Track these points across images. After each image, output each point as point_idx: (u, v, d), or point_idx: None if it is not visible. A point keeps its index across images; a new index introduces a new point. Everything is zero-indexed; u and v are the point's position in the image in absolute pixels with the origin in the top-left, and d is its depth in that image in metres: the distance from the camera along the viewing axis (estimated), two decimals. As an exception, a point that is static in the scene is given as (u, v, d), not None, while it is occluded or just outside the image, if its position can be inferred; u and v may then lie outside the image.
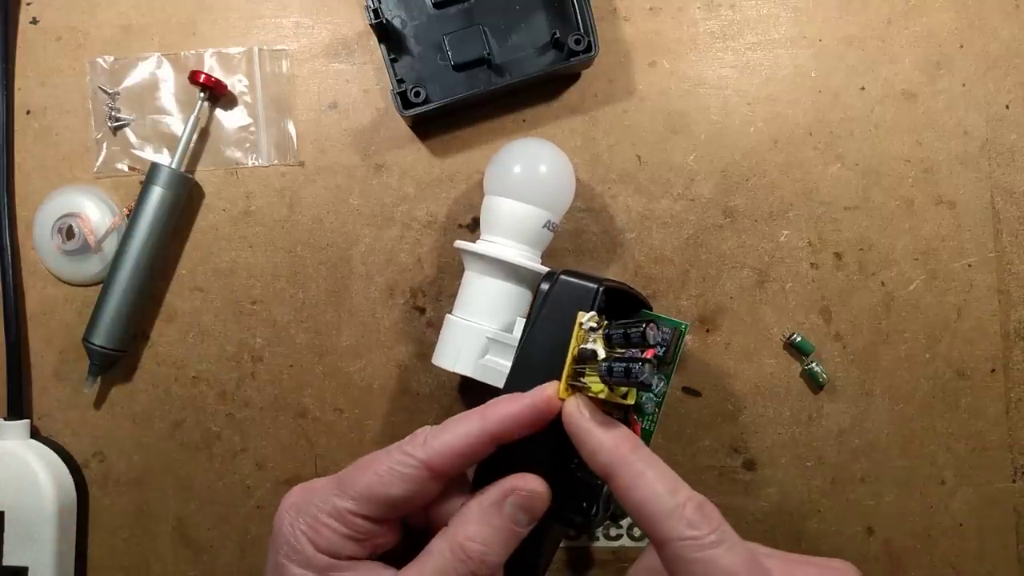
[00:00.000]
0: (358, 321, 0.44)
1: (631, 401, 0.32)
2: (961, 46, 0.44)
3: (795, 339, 0.43)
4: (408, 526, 0.32)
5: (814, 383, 0.43)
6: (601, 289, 0.32)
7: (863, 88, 0.44)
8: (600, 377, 0.31)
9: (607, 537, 0.44)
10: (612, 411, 0.34)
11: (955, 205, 0.44)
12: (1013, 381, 0.44)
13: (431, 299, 0.44)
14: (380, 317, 0.44)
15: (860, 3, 0.44)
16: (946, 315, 0.44)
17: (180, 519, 0.44)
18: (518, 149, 0.41)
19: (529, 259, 0.39)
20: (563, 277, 0.33)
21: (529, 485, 0.30)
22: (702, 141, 0.44)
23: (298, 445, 0.44)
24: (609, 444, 0.29)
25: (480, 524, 0.29)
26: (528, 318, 0.33)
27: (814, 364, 0.43)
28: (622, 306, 0.38)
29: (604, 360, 0.30)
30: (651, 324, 0.30)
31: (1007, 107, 0.44)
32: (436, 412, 0.44)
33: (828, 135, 0.44)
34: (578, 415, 0.30)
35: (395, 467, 0.29)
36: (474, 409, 0.30)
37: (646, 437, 0.40)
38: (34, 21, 0.45)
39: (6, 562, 0.41)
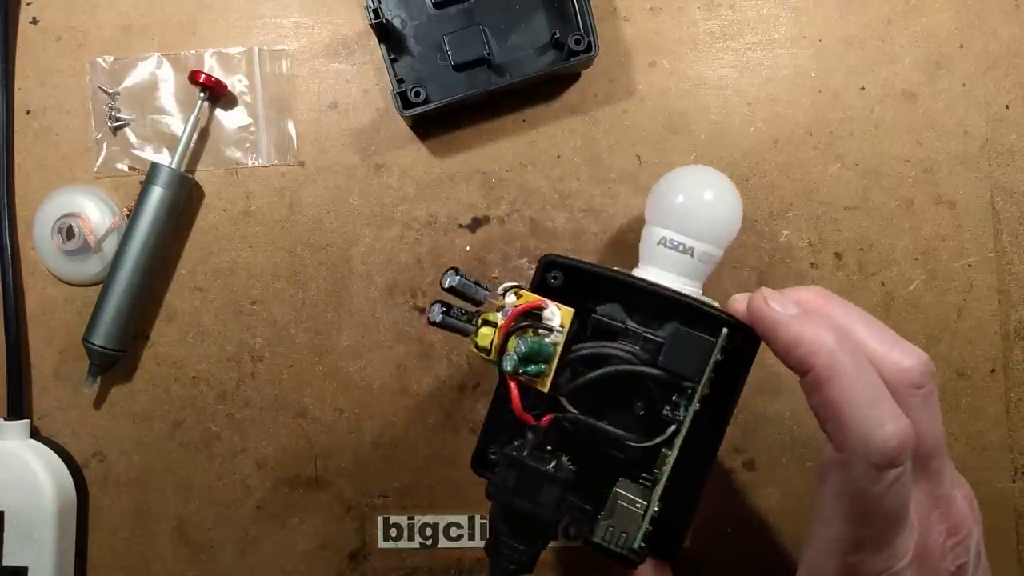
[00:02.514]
0: (358, 321, 0.44)
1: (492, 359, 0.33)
2: (961, 46, 0.44)
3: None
4: None
5: (814, 383, 0.43)
6: None
7: (863, 88, 0.44)
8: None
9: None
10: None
11: (955, 205, 0.44)
12: (1013, 381, 0.44)
13: (431, 299, 0.44)
14: (380, 317, 0.44)
15: (860, 3, 0.44)
16: (946, 315, 0.44)
17: (180, 519, 0.44)
18: (676, 178, 0.38)
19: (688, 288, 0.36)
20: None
21: None
22: (702, 141, 0.44)
23: (298, 445, 0.44)
24: (809, 337, 0.27)
25: None
26: None
27: (814, 364, 0.43)
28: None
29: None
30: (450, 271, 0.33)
31: (1007, 107, 0.44)
32: (436, 412, 0.44)
33: (828, 135, 0.44)
34: (766, 307, 0.29)
35: None
36: None
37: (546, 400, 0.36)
38: (34, 21, 0.45)
39: (6, 562, 0.41)
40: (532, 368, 0.33)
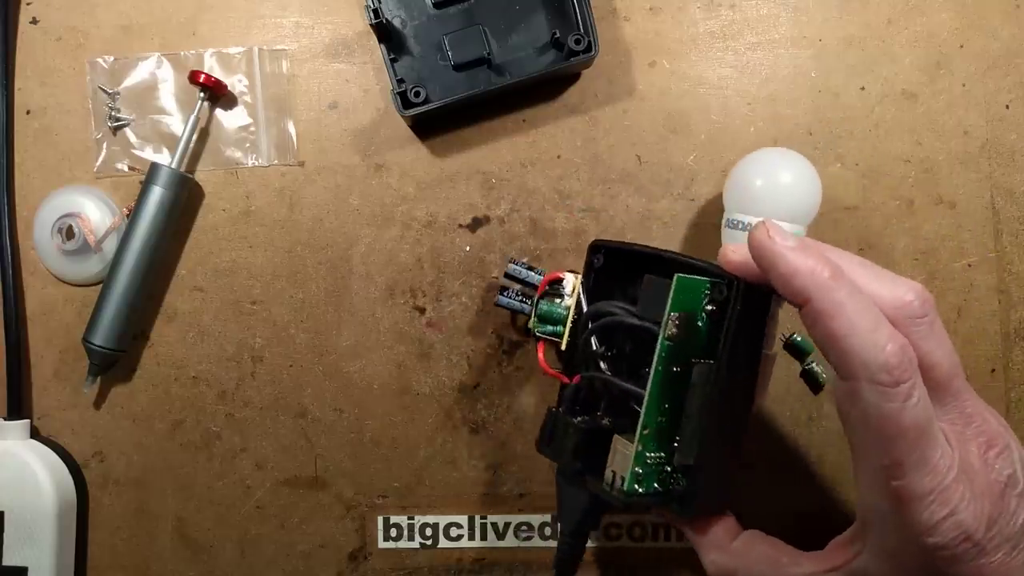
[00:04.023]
0: (358, 321, 0.44)
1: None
2: (961, 46, 0.44)
3: (795, 339, 0.43)
4: None
5: (814, 383, 0.43)
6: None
7: (863, 88, 0.44)
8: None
9: (607, 537, 0.44)
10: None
11: (955, 205, 0.44)
12: (1013, 381, 0.44)
13: (431, 299, 0.44)
14: (380, 317, 0.44)
15: (860, 3, 0.44)
16: (946, 315, 0.44)
17: (180, 519, 0.44)
18: (752, 165, 0.40)
19: None
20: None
21: None
22: (702, 141, 0.44)
23: (298, 445, 0.44)
24: (805, 268, 0.28)
25: None
26: None
27: (814, 364, 0.43)
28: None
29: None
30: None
31: (1007, 107, 0.44)
32: (436, 412, 0.44)
33: (828, 135, 0.44)
34: (767, 240, 0.29)
35: None
36: None
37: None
38: (34, 21, 0.45)
39: (6, 562, 0.41)
40: (550, 328, 0.40)
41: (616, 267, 0.39)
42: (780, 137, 0.44)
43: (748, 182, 0.39)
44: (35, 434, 0.44)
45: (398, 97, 0.42)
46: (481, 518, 0.44)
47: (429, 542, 0.44)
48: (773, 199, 0.39)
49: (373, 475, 0.44)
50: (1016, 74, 0.44)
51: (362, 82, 0.45)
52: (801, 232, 0.39)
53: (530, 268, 0.41)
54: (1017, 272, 0.44)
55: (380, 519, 0.44)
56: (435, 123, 0.44)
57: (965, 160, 0.44)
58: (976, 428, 0.29)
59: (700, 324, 0.32)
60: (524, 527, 0.44)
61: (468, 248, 0.44)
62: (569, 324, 0.39)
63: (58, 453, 0.44)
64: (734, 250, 0.32)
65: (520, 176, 0.44)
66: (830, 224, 0.44)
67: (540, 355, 0.40)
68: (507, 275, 0.41)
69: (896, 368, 0.27)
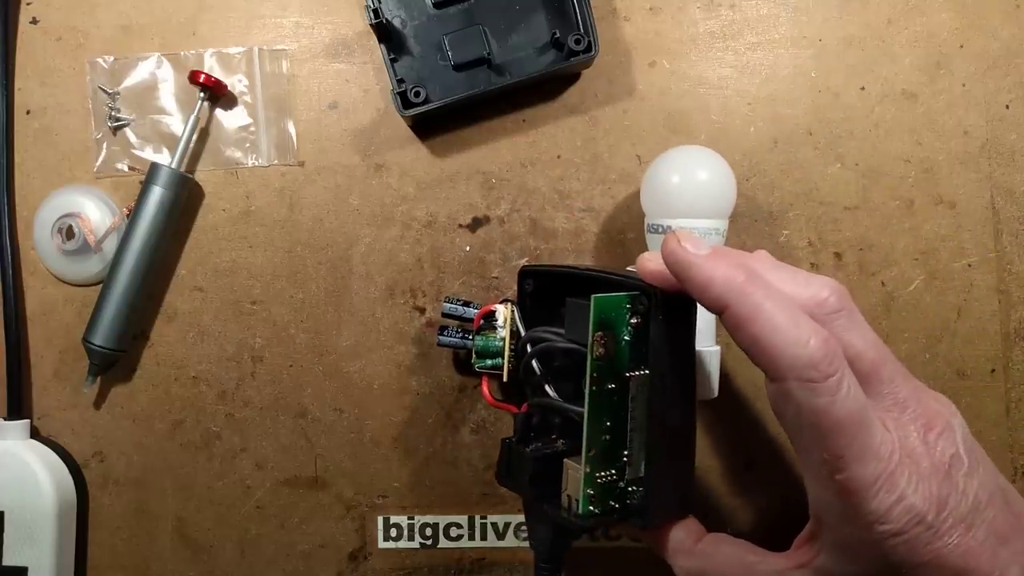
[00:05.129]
0: (358, 321, 0.44)
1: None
2: (961, 46, 0.44)
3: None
4: None
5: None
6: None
7: (863, 88, 0.44)
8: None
9: (607, 537, 0.44)
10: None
11: (955, 205, 0.44)
12: (1013, 381, 0.44)
13: (431, 299, 0.44)
14: (380, 317, 0.44)
15: (860, 3, 0.44)
16: (946, 315, 0.44)
17: (180, 519, 0.44)
18: (665, 164, 0.40)
19: None
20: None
21: None
22: (702, 141, 0.44)
23: (298, 445, 0.44)
24: (719, 276, 0.28)
25: None
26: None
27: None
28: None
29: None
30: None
31: (1007, 107, 0.44)
32: (436, 412, 0.44)
33: (828, 135, 0.44)
34: (680, 250, 0.29)
35: None
36: None
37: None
38: (34, 21, 0.45)
39: (6, 562, 0.41)
40: (490, 362, 0.39)
41: (550, 290, 0.38)
42: (780, 137, 0.44)
43: (664, 180, 0.39)
44: (35, 434, 0.44)
45: (398, 97, 0.42)
46: (481, 518, 0.44)
47: (429, 542, 0.44)
48: (692, 196, 0.38)
49: (373, 475, 0.44)
50: (1016, 74, 0.44)
51: (362, 82, 0.45)
52: (724, 226, 0.39)
53: (466, 304, 0.41)
54: (1017, 272, 0.44)
55: (380, 519, 0.44)
56: (435, 123, 0.44)
57: (965, 160, 0.44)
58: (912, 412, 0.29)
59: (628, 338, 0.32)
60: (524, 527, 0.44)
61: (468, 248, 0.44)
62: (508, 354, 0.39)
63: (58, 453, 0.44)
64: (650, 258, 0.31)
65: (520, 176, 0.44)
66: (830, 224, 0.44)
67: (484, 390, 0.40)
68: (444, 314, 0.41)
69: (822, 362, 0.27)
